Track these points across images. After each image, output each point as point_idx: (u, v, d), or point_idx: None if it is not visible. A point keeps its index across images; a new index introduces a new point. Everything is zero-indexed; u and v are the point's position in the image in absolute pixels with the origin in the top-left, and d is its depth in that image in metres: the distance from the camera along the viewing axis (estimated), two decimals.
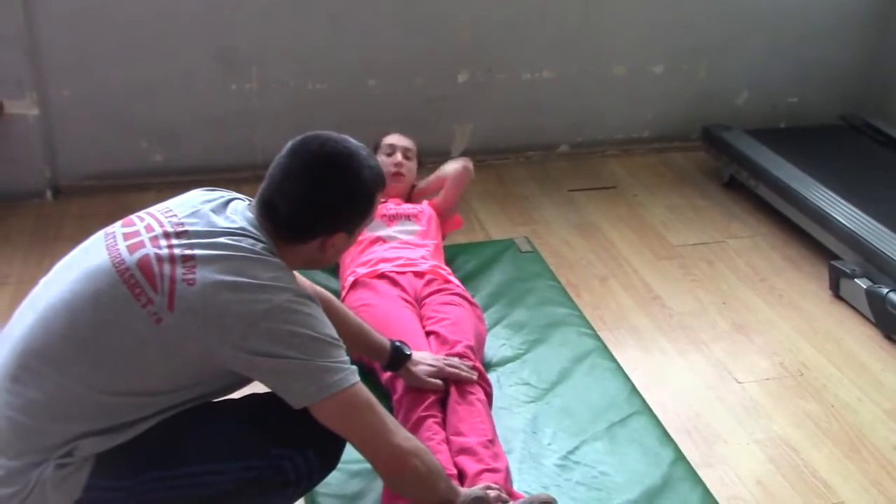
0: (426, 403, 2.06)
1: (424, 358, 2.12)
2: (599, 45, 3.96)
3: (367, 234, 2.63)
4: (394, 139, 2.93)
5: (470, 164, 2.86)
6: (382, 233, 2.66)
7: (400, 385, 2.11)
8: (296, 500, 1.70)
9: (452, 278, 2.54)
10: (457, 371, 2.12)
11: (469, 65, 3.83)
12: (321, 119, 3.48)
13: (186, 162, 3.66)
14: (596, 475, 2.03)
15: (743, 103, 4.24)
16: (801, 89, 4.28)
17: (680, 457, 2.10)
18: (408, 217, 2.75)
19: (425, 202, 2.87)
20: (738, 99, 4.23)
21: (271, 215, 1.62)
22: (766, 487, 2.24)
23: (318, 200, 1.62)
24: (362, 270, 2.48)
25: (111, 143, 3.59)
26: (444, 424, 2.05)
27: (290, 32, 3.59)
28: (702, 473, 2.08)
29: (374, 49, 3.69)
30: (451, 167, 2.88)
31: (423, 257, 2.57)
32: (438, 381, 2.09)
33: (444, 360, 2.14)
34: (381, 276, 2.45)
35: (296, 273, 1.86)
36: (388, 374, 2.13)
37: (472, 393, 2.11)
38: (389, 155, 2.87)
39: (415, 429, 2.01)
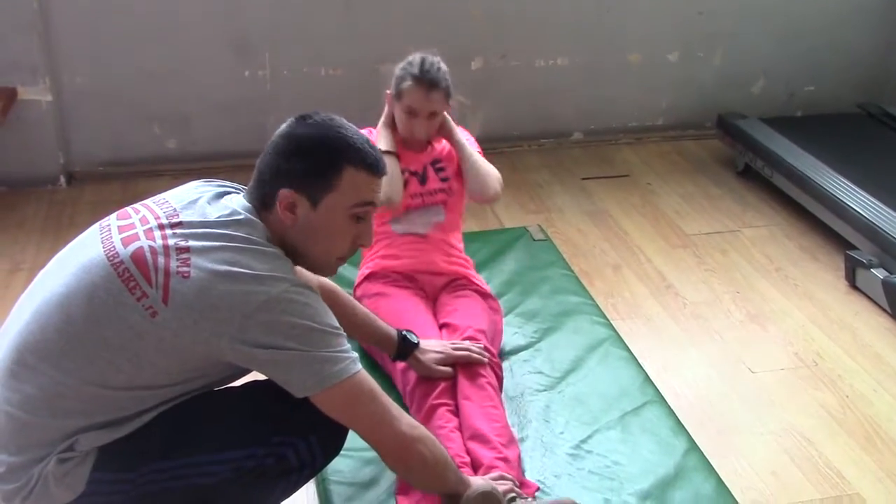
0: (437, 391, 2.04)
1: (432, 345, 2.10)
2: (614, 33, 3.93)
3: (388, 227, 2.42)
4: (416, 99, 2.33)
5: (497, 195, 2.45)
6: (401, 228, 2.40)
7: (412, 375, 2.09)
8: (300, 486, 1.70)
9: (470, 272, 2.45)
10: (466, 353, 2.09)
11: (483, 51, 3.81)
12: (334, 105, 3.44)
13: (199, 148, 3.66)
14: (608, 464, 2.02)
15: (759, 91, 4.20)
16: (817, 77, 4.24)
17: (693, 447, 2.08)
18: (435, 203, 2.42)
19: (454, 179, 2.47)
20: (754, 87, 4.20)
21: (256, 187, 1.62)
22: (779, 478, 2.23)
23: (274, 151, 1.60)
24: (382, 262, 2.40)
25: (124, 130, 3.59)
26: (456, 411, 2.04)
27: (303, 19, 3.57)
28: (715, 464, 2.07)
29: (387, 35, 3.68)
30: (477, 192, 2.42)
31: (443, 252, 2.42)
32: (447, 368, 2.07)
33: (452, 344, 2.12)
34: (398, 271, 2.38)
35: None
36: (401, 365, 2.11)
37: (483, 376, 2.08)
38: (408, 115, 2.35)
39: (427, 417, 2.00)
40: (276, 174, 1.59)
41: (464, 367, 2.09)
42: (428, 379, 2.06)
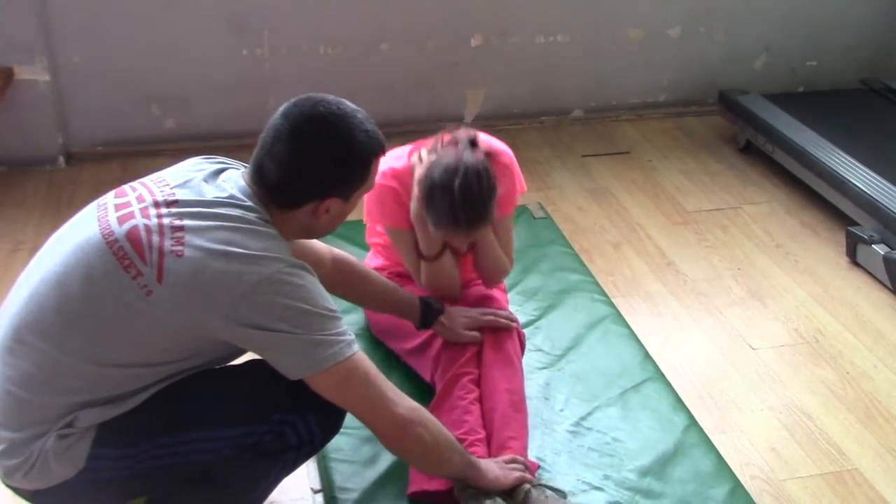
0: (463, 359, 2.01)
1: (459, 311, 2.07)
2: (615, 8, 3.90)
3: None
4: (456, 239, 2.03)
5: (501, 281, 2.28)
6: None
7: (437, 343, 2.06)
8: (299, 464, 1.70)
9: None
10: (494, 318, 2.07)
11: (482, 29, 3.79)
12: (334, 84, 3.45)
13: (198, 128, 3.65)
14: (608, 441, 2.02)
15: (761, 67, 4.18)
16: (820, 53, 4.20)
17: (693, 423, 2.09)
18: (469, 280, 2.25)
19: None
20: (756, 62, 4.17)
21: (262, 180, 1.58)
22: (779, 454, 2.23)
23: (305, 162, 1.56)
24: (396, 279, 2.20)
25: (123, 110, 3.58)
26: (479, 381, 2.02)
27: None
28: (715, 440, 2.08)
29: (386, 13, 3.65)
30: (484, 273, 2.21)
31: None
32: (475, 333, 2.05)
33: (479, 310, 2.10)
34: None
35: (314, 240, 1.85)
36: (416, 341, 2.09)
37: (508, 347, 2.06)
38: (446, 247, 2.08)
39: (449, 387, 1.98)
40: (309, 185, 1.58)
41: (490, 335, 2.07)
42: (454, 346, 2.04)
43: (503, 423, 1.92)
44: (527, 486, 1.77)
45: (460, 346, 2.04)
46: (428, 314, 2.03)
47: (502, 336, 2.08)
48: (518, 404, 1.98)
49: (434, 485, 1.81)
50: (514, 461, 1.82)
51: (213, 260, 1.46)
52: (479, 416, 1.94)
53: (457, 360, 2.01)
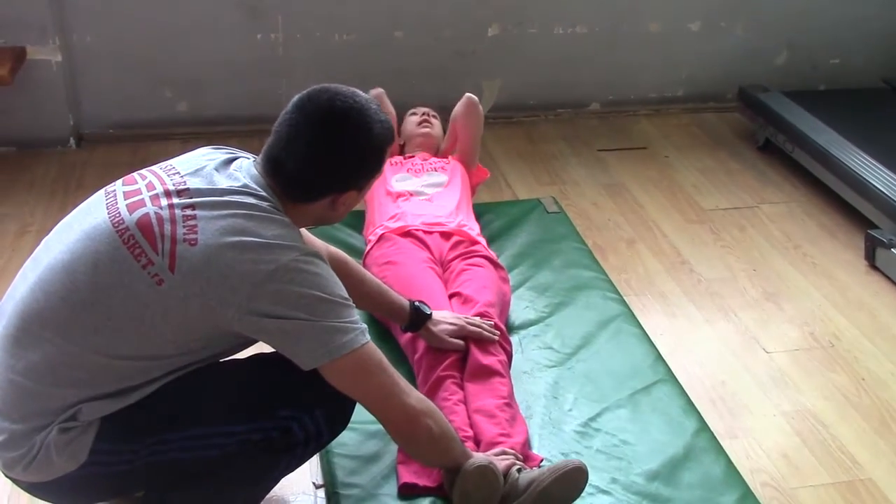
0: (446, 363, 2.04)
1: (445, 317, 2.09)
2: (635, 0, 3.85)
3: (394, 188, 2.60)
4: (415, 109, 3.01)
5: (473, 97, 2.83)
6: (410, 187, 2.62)
7: (421, 345, 2.08)
8: (305, 460, 1.69)
9: (480, 238, 2.49)
10: (478, 330, 2.09)
11: (500, 18, 3.74)
12: (348, 71, 3.42)
13: (211, 112, 3.63)
14: (617, 443, 1.99)
15: (782, 64, 4.11)
16: (842, 50, 4.14)
17: (704, 427, 2.06)
18: (434, 169, 2.71)
19: (451, 157, 2.84)
20: (777, 59, 4.11)
21: (278, 173, 1.57)
22: (791, 461, 2.19)
23: (328, 159, 1.56)
24: (390, 225, 2.45)
25: (135, 92, 3.56)
26: (462, 385, 2.03)
27: None
28: (725, 445, 2.05)
29: (401, 1, 3.61)
30: (458, 106, 2.86)
31: (450, 214, 2.51)
32: (459, 341, 2.06)
33: (466, 318, 2.11)
34: (408, 234, 2.41)
35: (307, 233, 1.83)
36: (409, 334, 2.10)
37: (493, 354, 2.08)
38: (414, 114, 2.95)
39: (434, 389, 2.00)
40: (331, 181, 1.58)
41: (475, 342, 2.08)
42: (437, 350, 2.05)
43: (494, 425, 1.91)
44: (514, 472, 1.76)
45: (442, 350, 2.05)
46: (416, 318, 2.04)
47: (486, 346, 2.08)
48: (507, 408, 1.97)
49: (425, 480, 1.82)
50: (504, 453, 1.82)
51: (227, 249, 1.45)
52: (465, 416, 1.95)
53: (439, 364, 2.03)
